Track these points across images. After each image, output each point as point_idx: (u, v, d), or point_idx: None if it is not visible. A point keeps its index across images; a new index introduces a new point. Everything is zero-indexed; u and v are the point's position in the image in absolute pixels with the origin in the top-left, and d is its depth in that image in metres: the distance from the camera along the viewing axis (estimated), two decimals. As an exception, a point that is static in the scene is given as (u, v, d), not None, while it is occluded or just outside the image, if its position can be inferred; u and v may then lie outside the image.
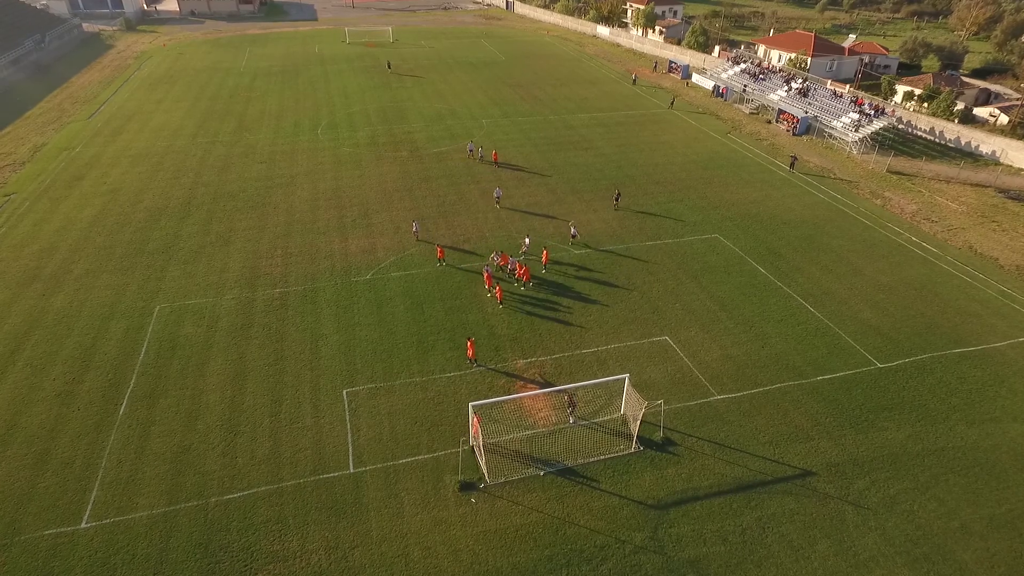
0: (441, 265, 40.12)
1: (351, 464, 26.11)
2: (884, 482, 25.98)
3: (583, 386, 28.82)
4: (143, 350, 32.45)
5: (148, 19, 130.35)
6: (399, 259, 40.97)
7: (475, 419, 26.37)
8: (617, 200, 48.05)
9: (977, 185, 54.44)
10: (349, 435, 27.52)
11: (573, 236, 43.48)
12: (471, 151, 57.61)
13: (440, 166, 55.84)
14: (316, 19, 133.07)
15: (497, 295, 36.28)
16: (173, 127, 65.14)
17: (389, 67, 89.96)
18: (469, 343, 31.58)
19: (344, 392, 29.93)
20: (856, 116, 63.96)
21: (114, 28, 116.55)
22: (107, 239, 43.03)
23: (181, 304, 36.08)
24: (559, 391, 28.76)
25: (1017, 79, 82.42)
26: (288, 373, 31.06)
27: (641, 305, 36.92)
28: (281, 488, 25.02)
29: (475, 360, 31.75)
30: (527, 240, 41.58)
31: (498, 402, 27.43)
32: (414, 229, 43.40)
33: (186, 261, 40.41)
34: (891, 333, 35.01)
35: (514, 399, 28.46)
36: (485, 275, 37.20)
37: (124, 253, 41.31)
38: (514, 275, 38.55)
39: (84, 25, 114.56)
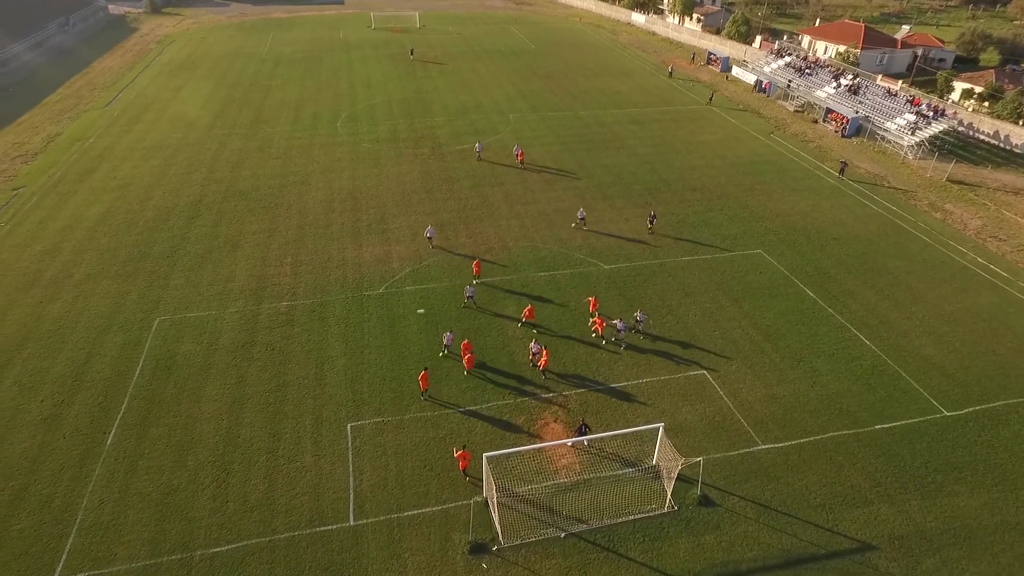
0: (474, 285, 35.79)
1: (351, 515, 23.56)
2: (957, 563, 22.59)
3: (612, 435, 25.78)
4: (138, 369, 30.27)
5: (174, 0, 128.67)
6: (414, 271, 38.20)
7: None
8: (652, 222, 43.05)
9: (1049, 198, 49.63)
10: (351, 479, 24.97)
11: (580, 219, 40.83)
12: (479, 151, 54.07)
13: (463, 166, 52.78)
14: (342, 2, 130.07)
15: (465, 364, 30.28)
16: (190, 117, 63.03)
17: (412, 54, 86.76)
18: (423, 375, 28.55)
19: (348, 427, 27.37)
20: (912, 117, 59.11)
21: (140, 10, 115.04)
22: (112, 240, 40.99)
23: (182, 317, 33.84)
24: (585, 440, 25.78)
25: (1090, 77, 75.92)
26: (289, 402, 28.59)
27: (676, 331, 33.65)
28: (273, 542, 22.59)
29: (426, 393, 28.73)
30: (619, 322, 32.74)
31: (515, 453, 24.51)
32: (428, 235, 40.58)
33: (191, 268, 38.15)
34: (958, 374, 31.25)
35: (532, 449, 25.45)
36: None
37: (128, 257, 39.22)
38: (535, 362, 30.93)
39: (110, 7, 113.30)
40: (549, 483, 25.07)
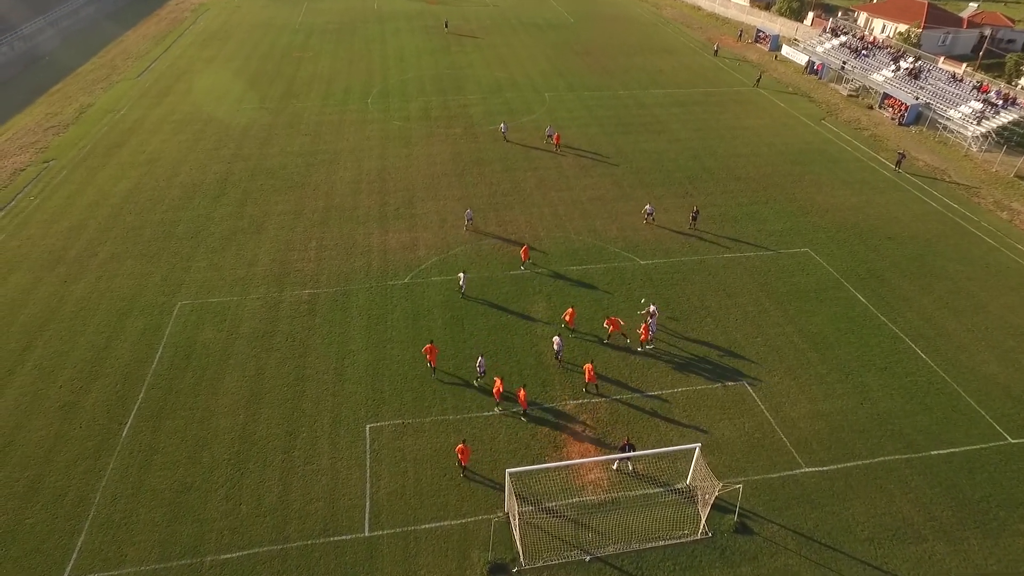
0: (524, 269, 35.87)
1: (367, 525, 22.57)
2: (1020, 612, 20.65)
3: (644, 455, 24.18)
4: (157, 356, 29.64)
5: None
6: (442, 260, 36.77)
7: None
8: (695, 219, 40.25)
9: None
10: (368, 485, 23.95)
11: (649, 214, 39.71)
12: (504, 131, 52.07)
13: (495, 147, 50.81)
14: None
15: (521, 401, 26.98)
16: (220, 90, 62.08)
17: (447, 27, 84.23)
18: (428, 348, 28.06)
19: (367, 428, 26.31)
20: (979, 106, 54.88)
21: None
22: (137, 218, 40.41)
23: (203, 302, 33.08)
24: (615, 459, 24.22)
25: None
26: (307, 398, 27.64)
27: (716, 336, 31.67)
28: (285, 550, 21.73)
29: (436, 370, 28.44)
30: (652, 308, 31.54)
31: (541, 470, 23.07)
32: (467, 219, 39.30)
33: (215, 249, 37.34)
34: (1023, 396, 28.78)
35: (559, 467, 23.96)
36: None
37: (152, 236, 38.60)
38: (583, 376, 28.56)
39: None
40: (574, 500, 23.69)
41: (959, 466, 25.48)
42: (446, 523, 22.72)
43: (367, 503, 23.28)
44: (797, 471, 25.07)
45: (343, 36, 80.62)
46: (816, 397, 28.41)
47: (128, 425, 26.14)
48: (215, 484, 23.84)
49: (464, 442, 24.31)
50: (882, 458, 25.68)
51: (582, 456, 25.37)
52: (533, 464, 24.57)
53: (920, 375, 29.74)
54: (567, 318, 31.23)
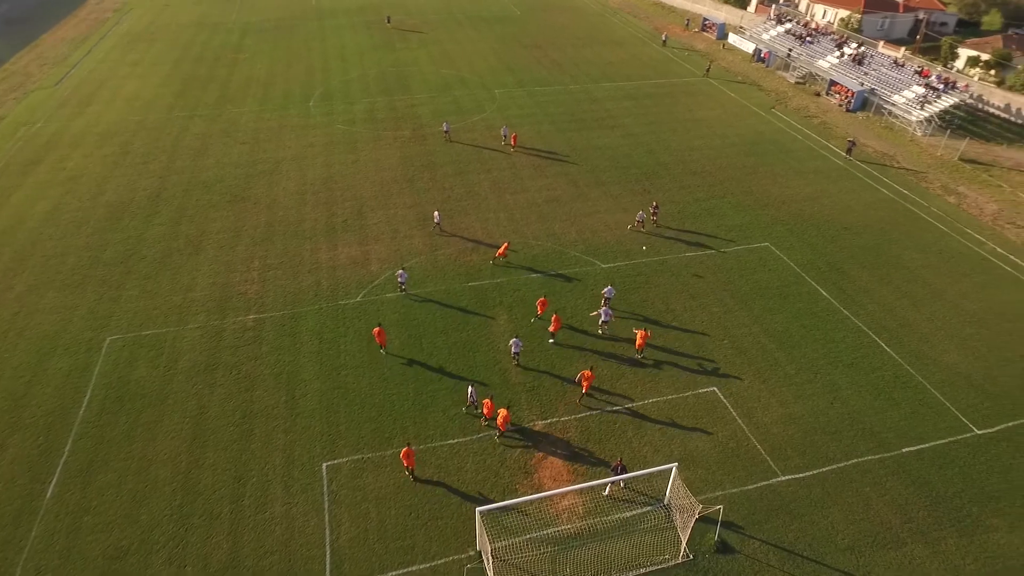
0: (495, 263, 35.70)
1: (328, 578, 20.87)
2: (1001, 614, 20.47)
3: (619, 479, 23.10)
4: (85, 400, 27.00)
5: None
6: (396, 274, 34.88)
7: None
8: (655, 212, 39.86)
9: (1066, 178, 47.01)
10: (327, 531, 22.18)
11: (640, 221, 38.94)
12: (447, 131, 50.20)
13: (446, 150, 48.93)
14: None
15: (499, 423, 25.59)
16: (148, 97, 58.17)
17: (388, 22, 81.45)
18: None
19: (323, 466, 24.47)
20: (921, 90, 55.86)
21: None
22: (58, 244, 37.12)
23: (136, 336, 30.42)
24: (589, 487, 23.03)
25: (1099, 42, 72.68)
26: (257, 437, 25.57)
27: (683, 341, 30.89)
28: (238, 614, 19.88)
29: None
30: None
31: (514, 505, 21.71)
32: (436, 220, 38.43)
33: (147, 275, 34.53)
34: (986, 384, 28.89)
35: (532, 500, 22.60)
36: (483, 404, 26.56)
37: (76, 264, 35.47)
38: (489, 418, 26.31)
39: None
40: (550, 531, 22.47)
41: (930, 462, 25.34)
42: (414, 568, 21.18)
43: (327, 552, 21.53)
44: (774, 480, 24.46)
45: (281, 35, 76.97)
46: (787, 399, 27.91)
47: (53, 483, 23.59)
48: (155, 545, 21.65)
49: (408, 444, 23.63)
50: (856, 460, 25.32)
51: (554, 480, 24.18)
52: (504, 494, 23.43)
53: (886, 369, 29.61)
54: (540, 310, 31.24)
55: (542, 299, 31.44)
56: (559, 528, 22.57)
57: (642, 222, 38.99)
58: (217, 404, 26.95)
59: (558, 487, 23.56)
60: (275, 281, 34.29)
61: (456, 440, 25.66)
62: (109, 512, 22.63)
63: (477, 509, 20.50)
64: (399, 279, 32.98)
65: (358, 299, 33.11)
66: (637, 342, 29.25)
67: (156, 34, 76.62)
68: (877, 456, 25.51)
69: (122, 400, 27.04)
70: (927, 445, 26.05)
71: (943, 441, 26.23)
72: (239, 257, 36.21)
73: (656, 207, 39.81)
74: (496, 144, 49.53)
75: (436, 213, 38.84)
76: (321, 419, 26.38)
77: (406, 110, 55.87)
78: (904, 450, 25.80)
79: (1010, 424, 27.00)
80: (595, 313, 31.14)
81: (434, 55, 70.45)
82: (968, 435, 26.53)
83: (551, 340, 30.45)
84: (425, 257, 36.35)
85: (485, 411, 25.85)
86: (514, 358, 29.05)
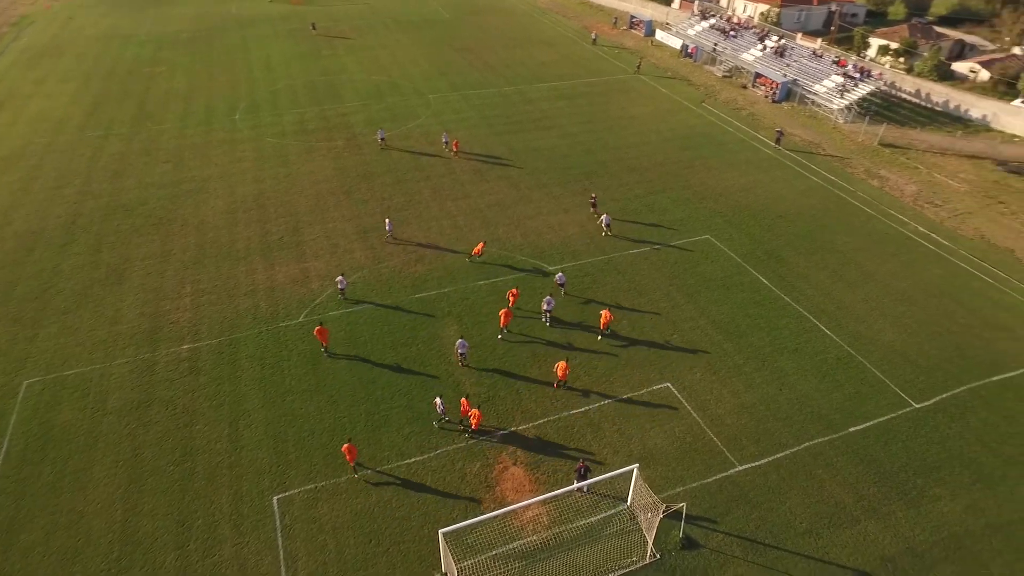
0: (472, 261, 35.80)
1: (286, 619, 19.78)
2: (952, 581, 21.32)
3: (582, 486, 22.88)
4: (2, 452, 24.79)
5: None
6: (338, 290, 33.70)
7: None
8: (594, 205, 40.55)
9: (974, 157, 50.03)
10: (283, 569, 21.05)
11: (607, 224, 38.45)
12: (381, 139, 49.22)
13: (382, 159, 47.79)
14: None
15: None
16: (56, 116, 54.43)
17: (314, 29, 79.22)
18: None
19: (274, 500, 23.25)
20: (840, 80, 58.38)
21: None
22: (-37, 282, 34.14)
23: (58, 377, 28.20)
24: (551, 498, 22.67)
25: (993, 28, 78.11)
26: (199, 476, 24.08)
27: (634, 340, 31.02)
28: (191, 670, 18.56)
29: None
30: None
31: (478, 523, 21.08)
32: (388, 229, 37.80)
33: (66, 310, 32.13)
34: (920, 359, 30.24)
35: (496, 516, 22.04)
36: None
37: (-15, 302, 32.70)
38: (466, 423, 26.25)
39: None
40: (516, 544, 22.03)
41: (875, 439, 26.27)
42: (378, 599, 20.37)
43: (284, 592, 20.44)
44: (732, 471, 24.80)
45: (199, 46, 73.60)
46: (738, 390, 28.41)
47: (-29, 547, 21.54)
48: (93, 603, 20.06)
49: (350, 440, 23.87)
50: (807, 443, 25.98)
51: (517, 492, 23.77)
52: (467, 510, 22.86)
53: (828, 352, 30.58)
54: (511, 299, 31.70)
55: (514, 290, 31.94)
56: (525, 541, 22.16)
57: (609, 225, 38.76)
58: (153, 444, 25.25)
59: (521, 498, 23.17)
60: (209, 307, 32.53)
61: (414, 459, 24.89)
62: (37, 575, 20.77)
63: (440, 531, 19.85)
64: (339, 286, 32.57)
65: (300, 319, 31.77)
66: (602, 322, 30.45)
67: (62, 48, 71.95)
68: (827, 438, 26.26)
69: (45, 448, 24.96)
70: (871, 423, 27.00)
71: (885, 417, 27.25)
72: (168, 284, 34.18)
73: (594, 199, 40.59)
74: (435, 150, 48.72)
75: (387, 221, 38.16)
76: (269, 450, 25.10)
77: (338, 119, 54.32)
78: (851, 429, 26.66)
79: (944, 396, 28.32)
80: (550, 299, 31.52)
81: (364, 62, 68.89)
82: (908, 409, 27.67)
83: (500, 336, 30.50)
84: (369, 271, 35.29)
85: (461, 411, 25.81)
86: (460, 359, 28.90)
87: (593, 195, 40.89)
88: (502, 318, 30.44)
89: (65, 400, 27.06)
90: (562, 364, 27.53)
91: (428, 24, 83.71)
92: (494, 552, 21.68)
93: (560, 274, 33.54)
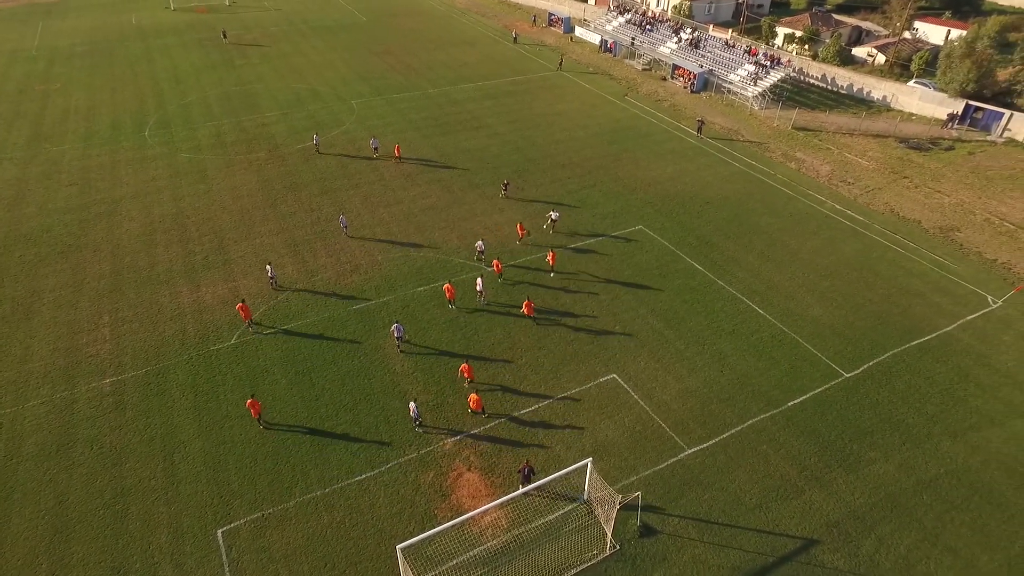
0: (500, 281, 34.85)
1: (241, 658, 18.76)
2: (891, 537, 22.48)
3: (536, 487, 22.75)
4: (-96, 515, 22.46)
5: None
6: (272, 308, 32.40)
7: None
8: (506, 189, 42.83)
9: (878, 136, 53.22)
10: (233, 606, 19.98)
11: (554, 221, 38.74)
12: (316, 143, 48.54)
13: (309, 168, 46.29)
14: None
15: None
16: (-60, 142, 49.94)
17: (225, 37, 76.01)
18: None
19: (219, 534, 22.04)
20: (752, 68, 60.88)
21: None
22: None
23: (-38, 426, 25.80)
24: (507, 501, 22.50)
25: (885, 15, 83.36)
26: (133, 516, 22.54)
27: (578, 333, 31.25)
28: None
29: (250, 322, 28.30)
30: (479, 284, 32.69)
31: (435, 534, 20.62)
32: (343, 225, 37.71)
33: (-33, 352, 29.48)
34: (846, 331, 31.84)
35: (454, 525, 21.66)
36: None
37: None
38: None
39: None
40: (477, 550, 21.72)
41: (813, 411, 27.44)
42: (338, 625, 19.62)
43: (236, 630, 19.39)
44: (682, 455, 25.33)
45: (98, 59, 69.21)
46: (681, 374, 29.08)
47: None
48: (22, 670, 18.40)
49: (253, 396, 25.75)
50: (750, 421, 26.86)
51: (473, 498, 23.46)
52: (423, 522, 22.40)
53: (763, 331, 31.74)
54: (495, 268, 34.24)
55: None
56: (486, 546, 21.89)
57: (555, 221, 38.87)
58: (79, 487, 23.46)
59: (478, 504, 22.90)
60: (132, 336, 30.55)
61: (364, 475, 24.16)
62: (-46, 645, 18.92)
63: (398, 546, 19.28)
64: (268, 275, 33.42)
65: (232, 341, 30.30)
66: (549, 258, 34.80)
67: (-59, 69, 66.12)
68: (768, 414, 27.23)
69: (-47, 506, 22.77)
70: (808, 395, 28.19)
71: (820, 389, 28.52)
72: (83, 315, 31.89)
73: (507, 184, 42.69)
74: (362, 157, 47.61)
75: (342, 217, 38.35)
76: (208, 481, 23.78)
77: (257, 130, 52.23)
78: (790, 403, 27.75)
79: (871, 363, 29.91)
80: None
81: (280, 69, 66.59)
82: (839, 380, 29.05)
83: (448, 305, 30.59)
84: (303, 284, 34.05)
85: (463, 373, 27.79)
86: (397, 343, 29.62)
87: (506, 181, 43.25)
88: (447, 292, 32.05)
89: (-27, 451, 24.76)
90: (473, 397, 26.25)
91: (344, 28, 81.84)
92: (455, 561, 21.31)
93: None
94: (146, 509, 22.82)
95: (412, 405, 25.49)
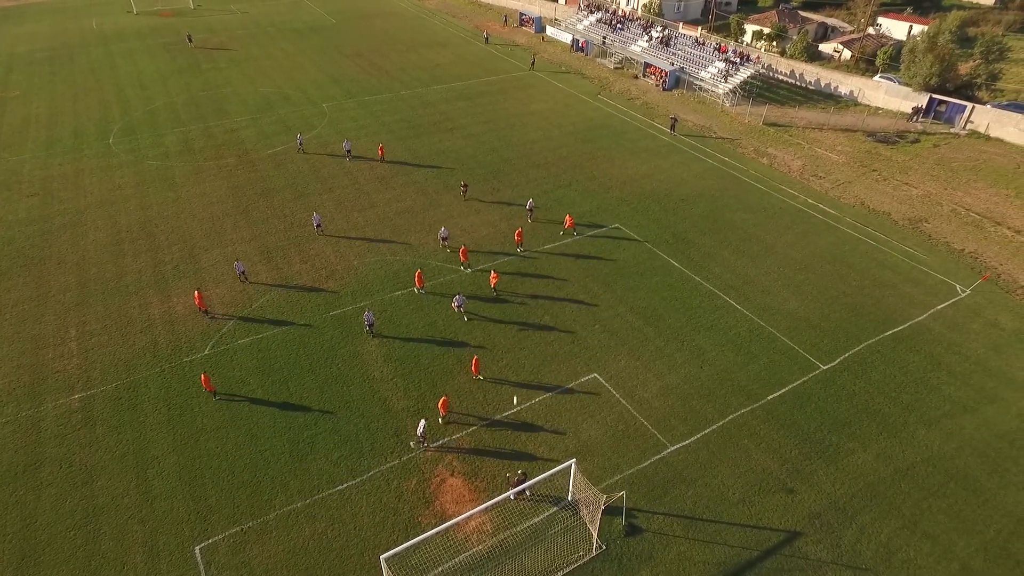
0: (466, 270, 35.40)
1: None
2: (872, 526, 22.78)
3: (521, 489, 22.60)
4: None
5: None
6: (245, 317, 31.72)
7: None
8: (465, 190, 42.58)
9: (847, 130, 54.11)
10: (213, 625, 19.46)
11: (531, 210, 39.51)
12: (300, 143, 48.62)
13: (280, 173, 45.55)
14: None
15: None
16: None
17: (190, 41, 74.51)
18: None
19: (196, 551, 21.47)
20: (722, 65, 61.49)
21: None
22: None
23: (-78, 449, 24.79)
24: (492, 506, 22.23)
25: (849, 11, 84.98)
26: (106, 537, 21.85)
27: (557, 334, 31.16)
28: None
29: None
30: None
31: (420, 542, 20.33)
32: (316, 224, 37.74)
33: (-74, 371, 28.35)
34: (821, 323, 32.24)
35: (438, 532, 21.36)
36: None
37: None
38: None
39: None
40: (462, 557, 21.48)
41: (792, 404, 27.71)
42: (322, 639, 19.23)
43: (217, 650, 18.89)
44: (664, 452, 25.38)
45: (59, 65, 67.33)
46: (662, 372, 29.15)
47: None
48: None
49: (204, 373, 27.13)
50: (731, 416, 27.02)
51: (457, 504, 23.21)
52: (407, 530, 22.09)
53: (741, 326, 31.99)
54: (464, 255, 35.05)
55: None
56: (471, 552, 21.67)
57: (532, 210, 39.87)
58: (48, 509, 22.68)
59: (461, 510, 22.64)
60: (100, 349, 29.68)
61: (346, 484, 23.76)
62: None
63: (382, 556, 18.96)
64: (237, 270, 33.67)
65: (206, 352, 29.61)
66: (515, 238, 36.66)
67: None
68: (748, 408, 27.43)
69: (-86, 533, 21.84)
70: (787, 388, 28.47)
71: (798, 382, 28.82)
72: (48, 329, 30.89)
73: (465, 185, 42.64)
74: (334, 161, 46.99)
75: (315, 215, 38.39)
76: (184, 497, 23.17)
77: (226, 136, 51.24)
78: (769, 397, 27.99)
79: (847, 355, 30.32)
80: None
81: (249, 73, 65.47)
82: (817, 372, 29.39)
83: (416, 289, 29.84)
84: (277, 292, 33.44)
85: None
86: (368, 329, 30.21)
87: (464, 183, 42.96)
88: (416, 278, 32.89)
89: (-67, 475, 23.80)
90: (444, 400, 26.05)
91: (313, 31, 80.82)
92: (440, 569, 21.06)
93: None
94: (119, 528, 22.14)
95: (422, 424, 24.91)
